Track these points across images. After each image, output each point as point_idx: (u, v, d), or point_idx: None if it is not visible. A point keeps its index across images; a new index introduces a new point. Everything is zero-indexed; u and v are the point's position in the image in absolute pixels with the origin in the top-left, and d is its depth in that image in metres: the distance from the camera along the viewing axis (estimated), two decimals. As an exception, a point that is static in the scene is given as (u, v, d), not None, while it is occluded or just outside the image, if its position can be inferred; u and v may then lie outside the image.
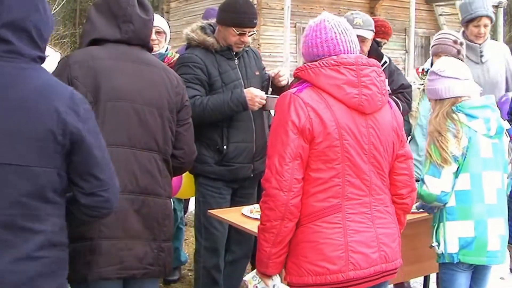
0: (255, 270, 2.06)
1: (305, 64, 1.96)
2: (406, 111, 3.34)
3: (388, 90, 2.80)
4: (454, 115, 2.45)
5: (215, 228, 3.01)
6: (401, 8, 16.16)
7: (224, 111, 2.87)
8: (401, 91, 3.40)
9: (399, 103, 3.27)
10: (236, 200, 3.09)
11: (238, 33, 2.92)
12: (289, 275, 1.94)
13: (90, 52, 2.08)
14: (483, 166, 2.44)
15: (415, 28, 15.80)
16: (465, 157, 2.42)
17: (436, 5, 17.00)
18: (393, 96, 3.20)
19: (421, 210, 2.68)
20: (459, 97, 2.48)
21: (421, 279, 3.31)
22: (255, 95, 2.86)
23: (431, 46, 3.36)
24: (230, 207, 3.02)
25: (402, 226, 2.12)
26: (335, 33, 1.94)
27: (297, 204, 1.85)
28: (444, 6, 17.15)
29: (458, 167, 2.42)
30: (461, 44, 3.22)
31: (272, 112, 3.07)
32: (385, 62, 3.44)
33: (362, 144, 1.90)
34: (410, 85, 3.47)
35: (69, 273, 1.93)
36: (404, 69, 16.13)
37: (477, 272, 2.54)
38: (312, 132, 1.84)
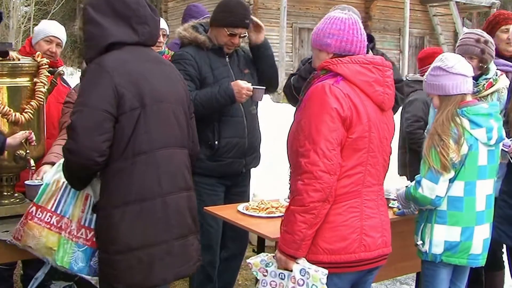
0: (262, 254, 2.11)
1: (335, 59, 2.05)
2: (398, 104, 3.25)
3: None
4: (458, 119, 2.42)
5: (209, 225, 3.03)
6: (396, 8, 16.21)
7: (212, 105, 2.89)
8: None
9: (397, 94, 3.27)
10: (230, 198, 3.11)
11: (229, 33, 2.95)
12: None
13: (121, 57, 2.03)
14: (478, 175, 2.44)
15: (409, 28, 15.86)
16: (464, 164, 2.40)
17: (430, 6, 17.05)
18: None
19: (399, 214, 2.70)
20: (465, 94, 2.46)
21: (414, 275, 3.36)
22: (241, 87, 2.89)
23: (456, 47, 3.15)
24: (224, 204, 3.05)
25: None
26: (362, 35, 2.09)
27: (336, 188, 1.96)
28: (438, 6, 17.21)
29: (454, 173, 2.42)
30: (485, 42, 3.01)
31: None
32: None
33: (381, 137, 2.06)
34: (402, 79, 3.37)
35: (147, 279, 2.00)
36: (399, 68, 16.20)
37: (458, 268, 2.57)
38: (351, 122, 1.97)
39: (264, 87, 2.99)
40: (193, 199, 2.19)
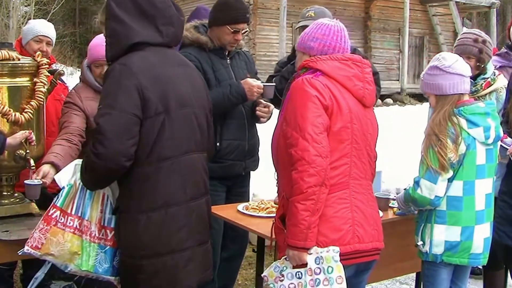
0: (274, 263, 2.08)
1: (315, 57, 2.10)
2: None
3: None
4: (454, 119, 2.39)
5: (212, 227, 3.04)
6: (396, 8, 16.23)
7: (224, 105, 2.92)
8: None
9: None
10: (231, 199, 3.12)
11: (232, 31, 2.96)
12: None
13: (148, 59, 1.99)
14: (476, 174, 2.44)
15: (409, 28, 15.88)
16: (462, 163, 2.40)
17: (430, 6, 17.07)
18: None
19: (399, 214, 2.70)
20: (462, 94, 2.46)
21: (413, 275, 3.36)
22: (252, 85, 2.92)
23: (454, 47, 3.16)
24: (225, 205, 3.05)
25: None
26: (346, 42, 2.14)
27: (329, 171, 1.96)
28: (438, 6, 17.23)
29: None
30: (483, 42, 3.02)
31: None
32: None
33: (364, 131, 2.08)
34: (377, 72, 3.33)
35: (172, 284, 2.01)
36: (398, 68, 16.22)
37: (459, 268, 2.58)
38: (332, 112, 2.00)
39: (274, 84, 3.03)
40: (210, 202, 2.20)
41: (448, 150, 2.36)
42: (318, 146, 1.92)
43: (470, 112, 2.42)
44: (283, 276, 2.01)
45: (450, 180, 2.42)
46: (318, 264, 1.94)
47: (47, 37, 3.21)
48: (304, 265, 1.97)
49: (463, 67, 2.48)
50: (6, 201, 2.47)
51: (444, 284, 2.53)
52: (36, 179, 2.43)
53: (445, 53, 2.58)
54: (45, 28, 3.23)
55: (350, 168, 2.03)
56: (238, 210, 2.77)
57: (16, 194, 2.53)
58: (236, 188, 3.16)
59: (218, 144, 2.97)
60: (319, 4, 3.70)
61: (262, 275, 2.11)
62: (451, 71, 2.44)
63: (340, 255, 1.96)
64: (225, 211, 2.81)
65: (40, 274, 2.26)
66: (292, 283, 1.99)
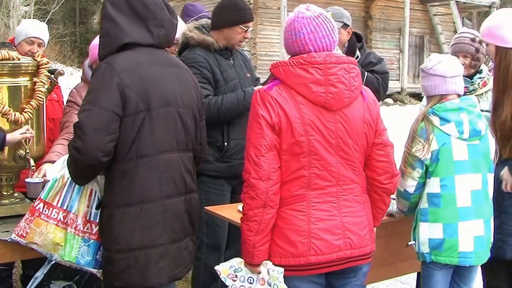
0: (232, 260, 2.10)
1: (278, 62, 2.05)
2: (374, 86, 3.25)
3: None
4: (429, 117, 2.45)
5: (217, 225, 3.04)
6: (396, 8, 16.25)
7: (238, 110, 2.94)
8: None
9: (382, 84, 3.29)
10: (235, 198, 3.11)
11: (245, 30, 3.01)
12: None
13: (134, 59, 2.04)
14: (456, 170, 2.44)
15: (409, 27, 15.89)
16: (438, 160, 2.43)
17: (430, 5, 17.09)
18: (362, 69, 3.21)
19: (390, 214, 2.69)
20: (445, 95, 2.49)
21: (414, 275, 3.36)
22: None
23: (450, 45, 3.22)
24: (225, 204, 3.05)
25: (387, 206, 2.20)
26: (303, 33, 2.00)
27: (276, 191, 1.96)
28: (438, 6, 17.25)
29: (428, 170, 2.45)
30: (480, 42, 3.07)
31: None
32: (357, 57, 3.35)
33: (328, 139, 1.99)
34: (387, 72, 3.47)
35: (143, 279, 2.03)
36: (399, 68, 16.23)
37: (460, 270, 2.55)
38: (280, 128, 1.94)
39: None
40: (194, 202, 2.21)
41: (417, 147, 2.43)
42: (258, 169, 1.93)
43: (442, 110, 2.46)
44: (236, 277, 2.06)
45: (428, 177, 2.46)
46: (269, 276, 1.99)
47: (39, 38, 3.18)
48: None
49: (446, 68, 2.49)
50: (6, 201, 2.48)
51: (439, 286, 2.51)
52: (37, 177, 2.44)
53: (434, 55, 2.61)
54: (37, 29, 3.19)
55: (308, 179, 1.97)
56: (239, 210, 2.76)
57: (16, 194, 2.53)
58: (240, 187, 3.16)
59: (226, 144, 2.99)
60: (319, 4, 3.71)
61: (215, 267, 2.11)
62: (432, 72, 2.50)
63: (294, 266, 1.97)
64: (225, 210, 2.80)
65: (39, 274, 2.26)
66: (243, 286, 2.04)
